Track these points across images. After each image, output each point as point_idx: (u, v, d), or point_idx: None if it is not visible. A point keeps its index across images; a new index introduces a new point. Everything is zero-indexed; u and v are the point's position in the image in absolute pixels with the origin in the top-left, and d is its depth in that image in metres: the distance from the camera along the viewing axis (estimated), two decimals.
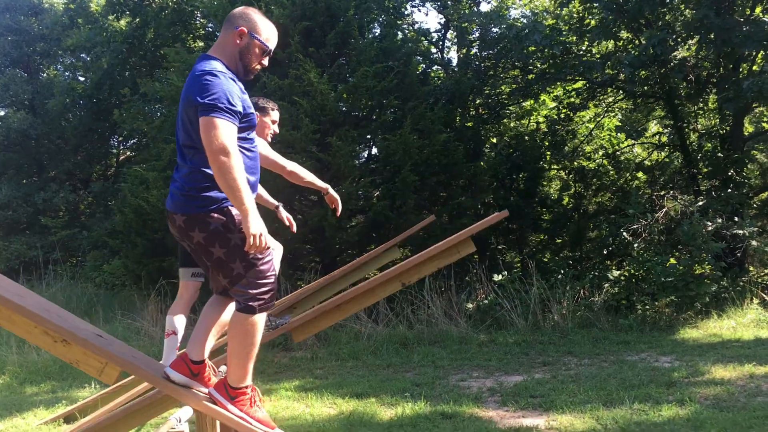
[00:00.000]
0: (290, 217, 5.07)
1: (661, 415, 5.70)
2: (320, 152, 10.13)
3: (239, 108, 2.77)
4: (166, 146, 11.08)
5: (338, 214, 4.95)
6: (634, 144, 14.86)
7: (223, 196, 2.82)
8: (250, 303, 2.87)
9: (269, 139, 4.89)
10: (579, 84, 13.25)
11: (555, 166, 14.24)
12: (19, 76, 18.62)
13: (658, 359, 8.10)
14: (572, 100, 13.11)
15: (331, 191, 4.91)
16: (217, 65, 2.85)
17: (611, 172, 14.23)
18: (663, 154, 14.82)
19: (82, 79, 18.95)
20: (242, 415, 2.87)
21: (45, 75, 19.86)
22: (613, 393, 6.47)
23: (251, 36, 2.93)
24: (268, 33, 3.01)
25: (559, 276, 11.09)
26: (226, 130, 2.69)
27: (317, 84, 10.13)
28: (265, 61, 3.03)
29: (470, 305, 10.51)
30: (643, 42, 9.93)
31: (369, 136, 11.03)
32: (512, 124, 14.97)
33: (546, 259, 12.26)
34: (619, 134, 14.99)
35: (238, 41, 2.92)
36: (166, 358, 4.80)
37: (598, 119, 14.58)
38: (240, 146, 2.84)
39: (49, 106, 16.76)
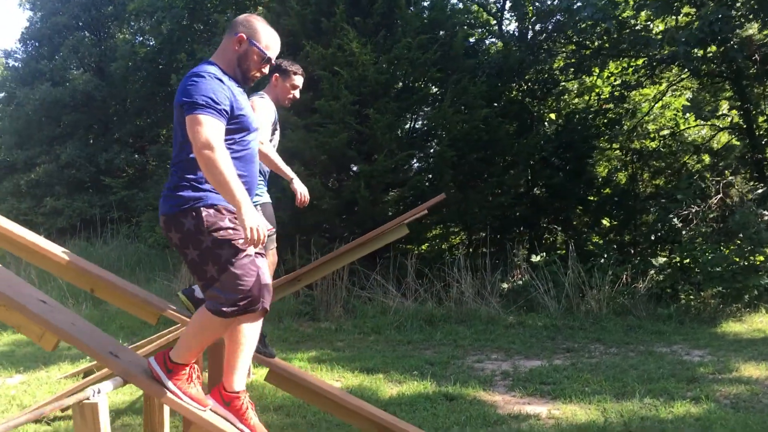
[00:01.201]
0: (304, 192, 4.73)
1: (672, 412, 5.45)
2: (358, 124, 10.04)
3: (225, 107, 2.76)
4: None
5: (300, 205, 4.67)
6: (697, 125, 14.13)
7: (194, 196, 2.79)
8: (223, 308, 2.80)
9: (287, 104, 4.70)
10: (640, 61, 12.67)
11: (609, 146, 13.72)
12: (87, 39, 19.20)
13: (690, 352, 7.76)
14: (627, 78, 12.54)
15: (296, 183, 4.64)
16: (209, 68, 2.86)
17: (669, 154, 13.58)
18: (728, 137, 14.07)
19: (150, 43, 19.33)
20: (175, 389, 2.85)
21: (114, 39, 20.38)
22: (629, 385, 6.23)
23: (250, 43, 2.91)
24: (268, 41, 2.97)
25: (602, 260, 10.75)
26: (209, 126, 2.68)
27: (359, 54, 10.01)
28: (265, 69, 2.99)
29: (505, 285, 10.31)
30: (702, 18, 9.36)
31: (409, 110, 10.80)
32: (564, 102, 14.47)
33: (591, 243, 11.86)
34: (687, 115, 14.32)
35: (237, 47, 2.92)
36: None
37: (660, 98, 13.91)
38: (228, 147, 2.79)
39: (113, 69, 17.21)
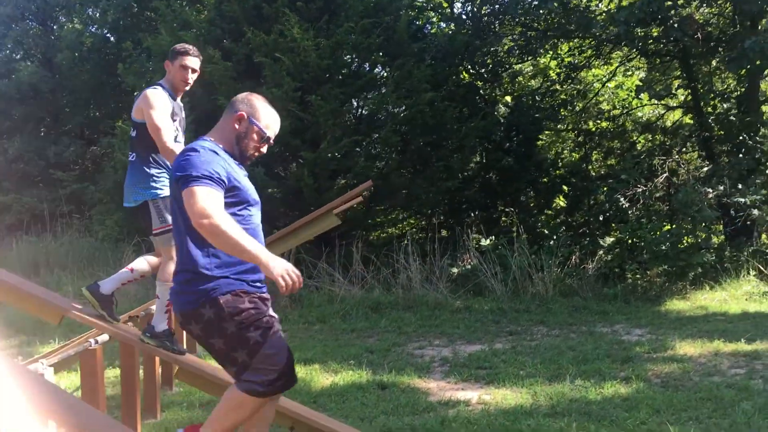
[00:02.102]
0: None
1: (601, 393, 5.46)
2: (302, 111, 9.91)
3: (222, 176, 2.67)
4: None
5: None
6: (651, 104, 14.19)
7: (208, 287, 2.69)
8: (256, 388, 2.74)
9: (184, 88, 4.31)
10: (587, 41, 12.67)
11: (560, 127, 13.75)
12: (33, 30, 18.70)
13: (630, 332, 7.83)
14: (573, 59, 12.55)
15: None
16: (203, 143, 2.79)
17: (620, 134, 13.65)
18: (679, 116, 14.17)
19: (95, 32, 18.87)
20: None
21: (62, 29, 19.87)
22: (563, 367, 6.25)
23: (250, 121, 2.84)
24: (269, 120, 2.92)
25: (551, 242, 10.79)
26: (204, 195, 2.59)
27: (300, 40, 9.86)
28: (264, 149, 2.92)
29: (455, 270, 10.30)
30: None
31: (354, 95, 10.68)
32: (518, 84, 14.47)
33: (541, 225, 11.90)
34: (641, 95, 14.39)
35: (236, 125, 2.85)
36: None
37: (610, 78, 13.95)
38: None
39: (58, 60, 16.79)
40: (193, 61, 4.21)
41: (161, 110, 3.99)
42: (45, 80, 17.66)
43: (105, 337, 4.00)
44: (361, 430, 4.62)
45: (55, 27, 19.58)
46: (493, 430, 4.63)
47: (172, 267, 4.12)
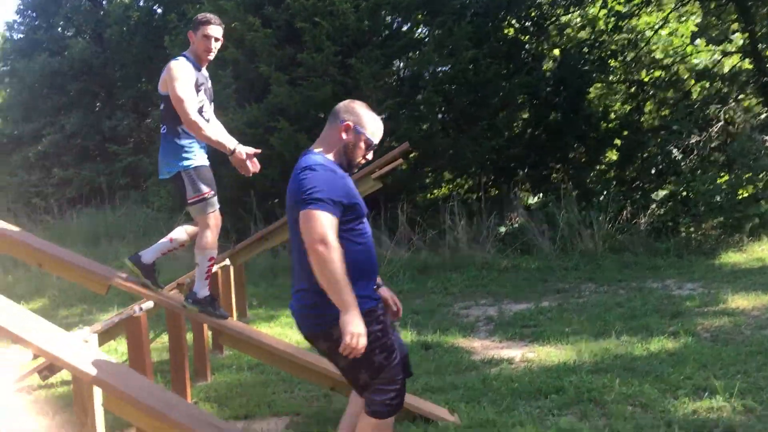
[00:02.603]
0: (250, 153, 4.32)
1: (647, 348, 5.39)
2: (342, 75, 9.89)
3: (340, 199, 2.68)
4: None
5: (247, 174, 4.39)
6: (708, 50, 13.61)
7: (337, 312, 2.69)
8: (379, 409, 2.83)
9: (209, 58, 4.28)
10: None
11: (609, 79, 13.34)
12: (83, 6, 19.08)
13: (682, 286, 7.67)
14: (622, 7, 12.10)
15: (237, 153, 4.21)
16: (317, 158, 2.80)
17: (673, 83, 13.18)
18: (734, 62, 13.58)
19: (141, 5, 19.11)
20: None
21: (110, 3, 20.21)
22: (610, 324, 6.16)
23: (356, 130, 2.83)
24: (374, 127, 2.90)
25: (601, 198, 10.59)
26: (323, 221, 2.60)
27: (339, 3, 9.79)
28: (369, 155, 2.92)
29: (502, 229, 10.23)
30: None
31: (395, 56, 10.58)
32: (567, 37, 14.04)
33: (589, 181, 11.67)
34: (697, 41, 13.82)
35: (343, 135, 2.84)
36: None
37: (662, 25, 13.42)
38: (346, 237, 2.73)
39: (107, 35, 17.12)
40: (216, 30, 4.21)
41: (184, 81, 4.02)
42: (96, 56, 18.09)
43: (150, 304, 4.14)
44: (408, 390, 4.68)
45: (104, 2, 19.94)
46: (534, 387, 4.63)
47: (209, 235, 4.22)
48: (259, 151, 4.40)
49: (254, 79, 10.55)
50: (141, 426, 2.92)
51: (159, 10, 17.64)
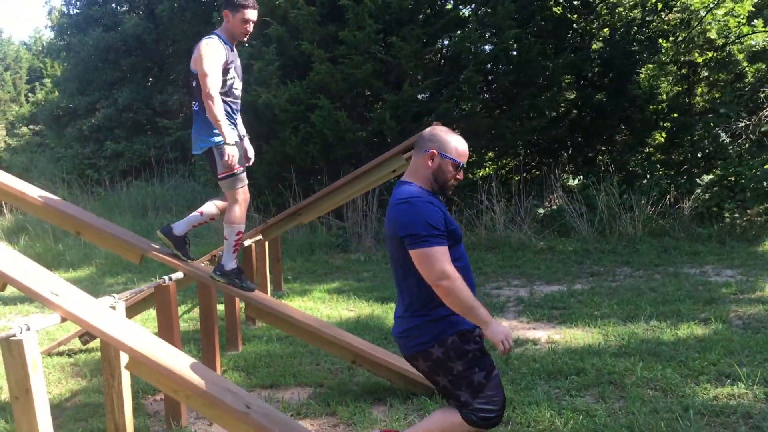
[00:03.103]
0: (248, 150, 4.74)
1: (676, 334, 5.36)
2: (384, 53, 9.91)
3: (442, 227, 2.75)
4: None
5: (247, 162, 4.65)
6: (756, 32, 13.18)
7: (435, 332, 2.82)
8: (476, 420, 2.89)
9: (243, 39, 4.44)
10: None
11: (663, 59, 13.01)
12: None
13: (721, 273, 7.55)
14: None
15: (246, 142, 4.68)
16: (413, 190, 2.85)
17: (725, 65, 12.79)
18: None
19: None
20: None
21: None
22: (640, 308, 6.14)
23: (442, 156, 2.87)
24: (458, 148, 2.92)
25: (644, 180, 10.43)
26: (438, 257, 2.68)
27: None
28: (460, 175, 2.95)
29: (541, 211, 10.17)
30: None
31: (437, 35, 10.54)
32: (618, 16, 13.72)
33: (632, 164, 11.47)
34: (754, 22, 13.37)
35: (430, 163, 2.89)
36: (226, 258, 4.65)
37: (714, 5, 13.01)
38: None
39: (158, 11, 17.41)
40: (254, 14, 4.34)
41: (213, 59, 4.14)
42: (148, 31, 18.42)
43: (179, 274, 4.30)
44: None
45: None
46: (555, 368, 4.66)
47: (237, 210, 4.35)
48: (251, 161, 4.75)
49: (297, 57, 10.65)
50: (161, 387, 3.07)
51: None
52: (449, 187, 2.93)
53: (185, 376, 2.89)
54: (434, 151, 2.86)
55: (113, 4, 20.10)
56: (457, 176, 2.93)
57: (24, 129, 24.29)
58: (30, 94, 26.39)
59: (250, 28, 4.35)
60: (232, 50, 4.37)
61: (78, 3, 20.99)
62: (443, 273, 2.65)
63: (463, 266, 2.86)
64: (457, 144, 2.91)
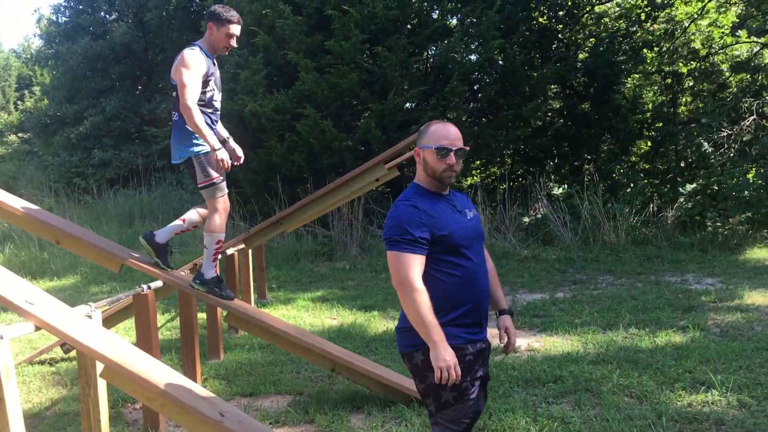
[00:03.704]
0: (236, 150, 4.74)
1: (654, 342, 5.41)
2: (369, 63, 9.98)
3: (420, 235, 2.63)
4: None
5: (237, 162, 4.68)
6: (738, 43, 13.34)
7: (421, 340, 2.70)
8: (438, 429, 2.82)
9: (225, 53, 4.49)
10: None
11: (648, 69, 13.14)
12: None
13: (701, 281, 7.62)
14: None
15: (231, 143, 4.70)
16: (408, 192, 2.81)
17: (707, 75, 12.95)
18: None
19: None
20: None
21: None
22: (620, 316, 6.20)
23: (423, 149, 2.78)
24: (435, 134, 2.78)
25: (628, 190, 10.52)
26: (403, 262, 2.61)
27: None
28: (452, 160, 2.75)
29: (526, 219, 10.24)
30: None
31: (422, 45, 10.61)
32: (603, 26, 13.87)
33: (616, 173, 11.57)
34: (738, 33, 13.52)
35: (418, 160, 2.83)
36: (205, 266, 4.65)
37: (698, 15, 13.16)
38: (437, 269, 2.69)
39: (147, 19, 17.44)
40: (238, 29, 4.38)
41: (194, 70, 4.17)
42: (137, 40, 18.46)
43: (159, 283, 4.32)
44: (405, 373, 4.79)
45: None
46: (533, 375, 4.70)
47: (216, 219, 4.38)
48: (241, 159, 4.74)
49: (283, 66, 10.70)
50: (136, 396, 3.09)
51: None
52: (445, 176, 2.75)
53: (159, 385, 2.91)
54: (417, 148, 2.82)
55: (102, 13, 20.14)
56: (448, 161, 2.74)
57: (12, 137, 24.25)
58: (19, 102, 26.35)
59: (234, 42, 4.39)
60: (214, 63, 4.41)
61: (67, 11, 21.00)
62: (403, 280, 2.59)
63: (461, 278, 2.71)
64: (435, 130, 2.78)
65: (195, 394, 2.97)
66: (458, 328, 2.68)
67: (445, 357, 2.53)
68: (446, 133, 2.75)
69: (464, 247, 2.72)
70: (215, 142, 4.22)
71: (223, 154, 4.22)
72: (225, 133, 4.71)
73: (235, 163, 4.65)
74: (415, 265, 2.61)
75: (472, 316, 2.70)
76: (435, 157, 2.72)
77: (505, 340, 2.94)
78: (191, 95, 4.12)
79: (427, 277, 2.63)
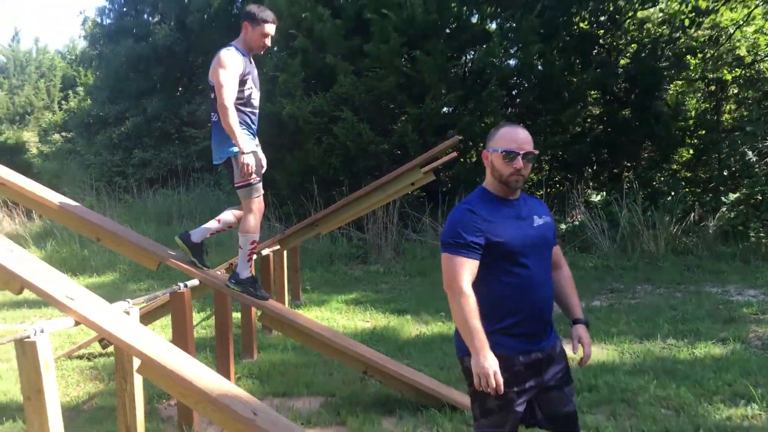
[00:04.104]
0: (262, 159, 4.66)
1: (693, 353, 5.30)
2: (408, 67, 9.98)
3: (472, 239, 2.58)
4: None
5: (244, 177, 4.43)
6: None
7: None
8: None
9: (261, 52, 4.53)
10: None
11: (692, 76, 12.92)
12: None
13: (743, 292, 7.45)
14: (703, 3, 11.68)
15: (243, 157, 4.32)
16: (470, 194, 2.81)
17: (752, 83, 12.67)
18: None
19: None
20: None
21: None
22: (659, 326, 6.08)
23: (491, 152, 2.73)
24: (502, 137, 2.74)
25: (669, 198, 10.34)
26: (453, 266, 2.58)
27: None
28: (519, 164, 2.66)
29: (562, 226, 10.12)
30: None
31: (461, 50, 10.59)
32: (647, 32, 13.66)
33: (657, 181, 11.38)
34: None
35: (486, 163, 2.79)
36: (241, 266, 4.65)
37: (744, 22, 12.90)
38: (490, 275, 2.64)
39: (188, 22, 17.69)
40: (273, 29, 4.41)
41: (230, 70, 4.21)
42: (178, 42, 18.73)
43: (195, 282, 4.36)
44: (438, 378, 4.78)
45: None
46: None
47: (251, 219, 4.41)
48: (263, 168, 4.65)
49: (321, 69, 10.76)
50: (171, 392, 3.12)
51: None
52: (511, 180, 2.67)
53: (194, 382, 2.94)
54: (485, 151, 2.76)
55: (145, 15, 20.49)
56: (515, 165, 2.64)
57: (56, 136, 24.76)
58: (63, 102, 26.93)
59: (269, 42, 4.42)
60: (250, 61, 4.44)
61: (111, 14, 21.40)
62: (452, 282, 2.55)
63: (515, 286, 2.64)
64: (503, 133, 2.71)
65: (229, 393, 2.99)
66: (510, 338, 2.62)
67: (483, 364, 2.50)
68: (515, 136, 2.68)
69: (522, 255, 2.64)
70: (245, 146, 4.25)
71: (249, 159, 4.25)
72: (255, 141, 4.65)
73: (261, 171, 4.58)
74: (465, 269, 2.56)
75: (525, 326, 2.64)
76: (502, 161, 2.65)
77: (579, 350, 2.84)
78: (228, 95, 4.17)
79: (481, 283, 2.58)
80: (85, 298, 3.16)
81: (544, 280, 2.70)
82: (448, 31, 10.45)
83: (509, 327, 2.61)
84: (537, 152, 2.71)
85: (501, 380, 2.50)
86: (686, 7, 12.51)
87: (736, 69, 13.11)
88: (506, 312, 2.61)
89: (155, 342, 3.18)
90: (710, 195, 10.82)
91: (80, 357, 5.83)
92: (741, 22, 13.00)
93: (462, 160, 10.55)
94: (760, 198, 9.86)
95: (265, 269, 6.53)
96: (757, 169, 10.05)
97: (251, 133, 4.47)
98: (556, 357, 2.74)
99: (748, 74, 13.01)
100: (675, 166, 12.48)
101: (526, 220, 2.69)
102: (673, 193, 10.47)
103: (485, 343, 2.52)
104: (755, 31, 13.32)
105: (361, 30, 10.55)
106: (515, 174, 2.63)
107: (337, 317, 6.94)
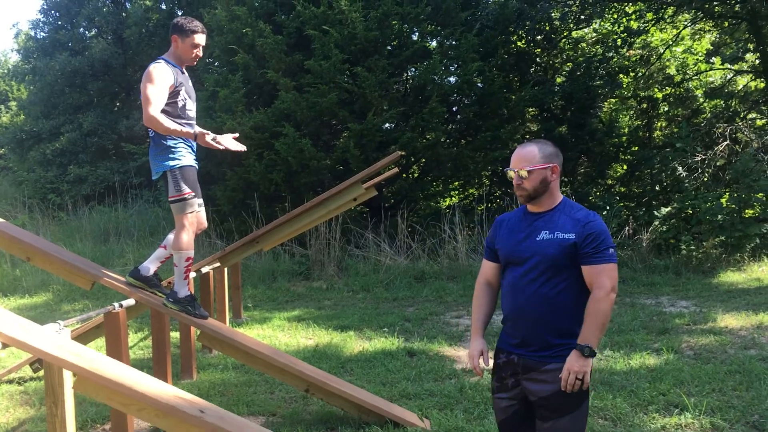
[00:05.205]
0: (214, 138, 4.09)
1: (628, 364, 5.44)
2: (349, 83, 10.01)
3: (487, 244, 2.98)
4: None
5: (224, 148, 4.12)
6: (711, 70, 13.61)
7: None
8: None
9: (193, 64, 4.43)
10: (641, 5, 12.23)
11: (624, 93, 13.34)
12: (104, 7, 19.37)
13: (675, 304, 7.68)
14: (633, 23, 12.12)
15: (199, 136, 4.10)
16: (514, 211, 3.00)
17: (682, 101, 13.17)
18: (744, 80, 13.55)
19: (161, 8, 19.38)
20: None
21: (133, 5, 20.51)
22: None
23: (507, 169, 2.89)
24: (512, 157, 2.91)
25: (604, 213, 10.61)
26: (482, 266, 3.01)
27: (348, 12, 9.94)
28: (515, 180, 2.82)
29: None
30: None
31: (401, 66, 10.68)
32: (581, 51, 14.07)
33: (592, 195, 11.68)
34: (712, 60, 13.79)
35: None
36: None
37: (673, 42, 13.42)
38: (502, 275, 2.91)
39: (126, 36, 17.37)
40: (203, 39, 4.36)
41: (158, 83, 4.14)
42: (116, 56, 18.36)
43: (131, 301, 4.26)
44: (381, 394, 4.78)
45: (126, 4, 20.23)
46: None
47: (184, 236, 4.32)
48: (236, 134, 4.31)
49: (263, 85, 10.71)
50: (111, 403, 2.99)
51: (179, 13, 17.90)
52: (518, 195, 2.86)
53: (135, 388, 2.85)
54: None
55: (81, 29, 20.04)
56: (515, 182, 2.83)
57: None
58: None
59: (200, 52, 4.37)
60: (182, 72, 4.38)
61: (45, 27, 20.86)
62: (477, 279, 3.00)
63: (506, 287, 2.84)
64: (514, 153, 2.89)
65: (173, 395, 2.92)
66: (503, 333, 2.90)
67: (470, 350, 2.91)
68: (514, 155, 2.86)
69: (513, 263, 2.81)
70: (191, 130, 4.16)
71: (205, 131, 4.08)
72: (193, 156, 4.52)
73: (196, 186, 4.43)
74: (483, 267, 2.99)
75: (509, 326, 2.85)
76: (516, 182, 2.84)
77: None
78: (155, 108, 4.11)
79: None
80: (10, 319, 3.03)
81: (528, 291, 2.74)
82: (389, 48, 10.53)
83: (503, 321, 2.89)
84: (529, 168, 2.73)
85: (477, 363, 2.86)
86: (618, 27, 12.97)
87: (666, 87, 13.61)
88: (503, 308, 2.88)
89: (88, 353, 3.08)
90: (643, 209, 11.16)
91: (10, 382, 5.61)
92: (670, 42, 13.52)
93: (404, 175, 10.61)
94: (690, 212, 10.23)
95: (205, 287, 6.42)
96: (687, 184, 10.41)
97: (189, 146, 4.40)
98: (540, 375, 2.70)
99: (677, 92, 13.51)
100: (610, 181, 12.84)
101: (531, 233, 2.78)
102: (608, 208, 10.74)
103: (477, 331, 2.93)
104: (684, 51, 13.87)
105: (303, 46, 10.56)
106: (517, 189, 2.83)
107: (279, 335, 6.86)
